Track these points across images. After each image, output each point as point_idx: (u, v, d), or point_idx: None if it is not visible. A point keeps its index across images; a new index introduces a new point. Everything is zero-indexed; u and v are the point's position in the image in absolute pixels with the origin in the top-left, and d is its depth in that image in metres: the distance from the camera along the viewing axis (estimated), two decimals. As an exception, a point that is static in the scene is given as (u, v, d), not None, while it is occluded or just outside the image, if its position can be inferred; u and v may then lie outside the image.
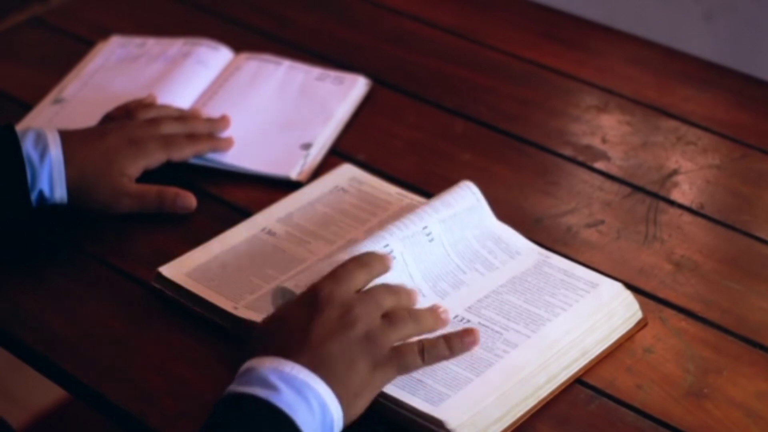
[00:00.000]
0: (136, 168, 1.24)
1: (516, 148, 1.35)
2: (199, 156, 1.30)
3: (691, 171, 1.31)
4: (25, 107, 1.40)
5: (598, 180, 1.30)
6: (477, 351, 1.05)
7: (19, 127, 1.22)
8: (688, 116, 1.39)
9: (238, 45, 1.49)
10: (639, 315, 1.11)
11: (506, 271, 1.13)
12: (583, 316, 1.09)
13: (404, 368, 1.00)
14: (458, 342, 1.02)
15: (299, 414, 0.93)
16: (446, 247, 1.13)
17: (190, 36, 1.49)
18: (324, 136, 1.35)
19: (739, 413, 1.03)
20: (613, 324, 1.10)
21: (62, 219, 1.23)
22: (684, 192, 1.28)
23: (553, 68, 1.48)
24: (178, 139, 1.28)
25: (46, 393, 2.07)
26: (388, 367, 0.99)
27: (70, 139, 1.22)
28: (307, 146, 1.33)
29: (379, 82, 1.44)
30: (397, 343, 1.00)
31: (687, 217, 1.25)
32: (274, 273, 1.15)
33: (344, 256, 1.06)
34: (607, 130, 1.37)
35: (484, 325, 1.08)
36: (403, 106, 1.42)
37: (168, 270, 1.15)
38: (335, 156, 1.33)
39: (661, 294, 1.15)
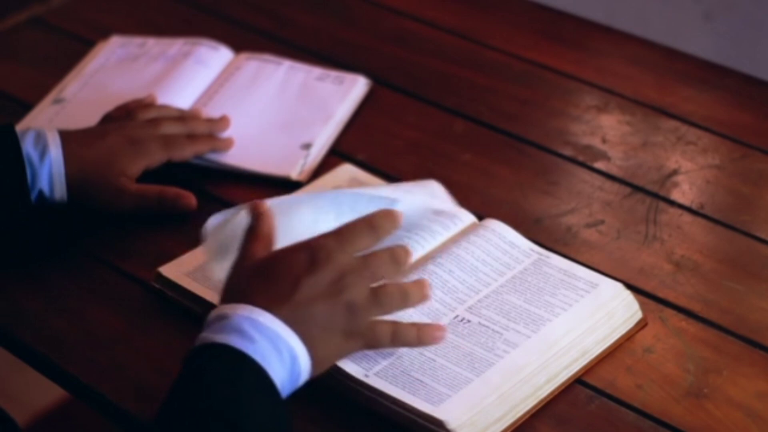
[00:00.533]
0: (136, 168, 1.24)
1: (516, 148, 1.35)
2: (199, 156, 1.30)
3: (691, 171, 1.31)
4: (26, 107, 1.40)
5: (598, 180, 1.30)
6: (477, 351, 1.05)
7: (19, 127, 1.22)
8: (688, 116, 1.39)
9: (239, 45, 1.49)
10: (639, 315, 1.11)
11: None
12: (583, 316, 1.09)
13: (372, 345, 1.02)
14: (429, 335, 1.04)
15: (272, 364, 0.95)
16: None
17: (191, 36, 1.49)
18: (324, 136, 1.35)
19: (739, 413, 1.03)
20: (613, 324, 1.10)
21: (62, 219, 1.23)
22: (684, 192, 1.28)
23: (553, 68, 1.48)
24: (178, 140, 1.28)
25: (46, 393, 2.07)
26: (359, 340, 1.01)
27: (70, 139, 1.22)
28: (307, 146, 1.33)
29: (379, 82, 1.44)
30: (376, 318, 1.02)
31: (687, 217, 1.25)
32: (274, 273, 1.15)
33: None
34: (607, 130, 1.37)
35: (484, 324, 1.08)
36: (403, 106, 1.42)
37: (168, 270, 1.15)
38: (335, 156, 1.33)
39: (661, 294, 1.15)
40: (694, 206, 1.26)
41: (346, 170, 1.29)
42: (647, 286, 1.16)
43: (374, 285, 1.02)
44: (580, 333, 1.08)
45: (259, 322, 0.96)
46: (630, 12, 2.24)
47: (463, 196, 1.25)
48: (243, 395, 0.93)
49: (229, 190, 1.29)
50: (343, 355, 1.01)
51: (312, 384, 1.04)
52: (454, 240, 1.16)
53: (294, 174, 1.30)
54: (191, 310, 1.13)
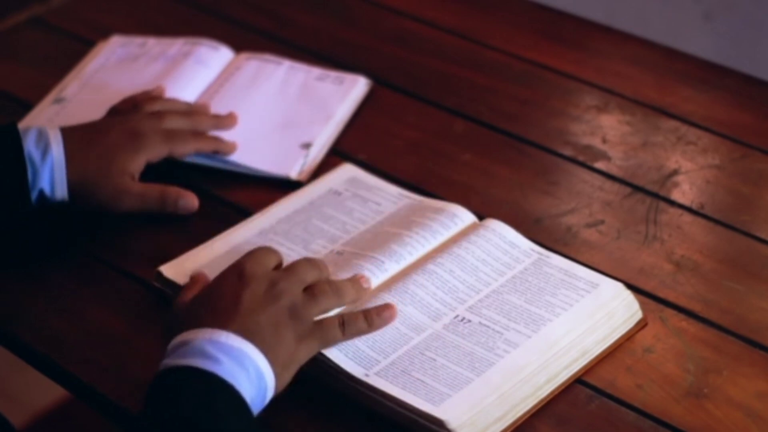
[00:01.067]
0: (137, 163, 1.23)
1: (516, 148, 1.35)
2: (200, 153, 1.29)
3: (691, 171, 1.31)
4: (26, 107, 1.40)
5: (598, 180, 1.30)
6: (478, 351, 1.05)
7: (20, 126, 1.21)
8: (688, 116, 1.39)
9: (239, 45, 1.49)
10: (639, 315, 1.11)
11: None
12: (583, 316, 1.09)
13: (326, 342, 1.03)
14: (376, 317, 1.06)
15: (241, 383, 0.95)
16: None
17: (191, 36, 1.49)
18: (324, 136, 1.35)
19: (739, 413, 1.03)
20: (614, 324, 1.10)
21: (62, 219, 1.23)
22: (684, 192, 1.28)
23: (553, 68, 1.48)
24: (181, 134, 1.27)
25: (46, 393, 2.07)
26: (312, 340, 1.02)
27: (72, 136, 1.21)
28: (307, 146, 1.33)
29: (379, 82, 1.44)
30: (320, 317, 1.04)
31: (687, 217, 1.25)
32: (274, 273, 1.15)
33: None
34: (607, 130, 1.37)
35: (484, 324, 1.08)
36: (403, 106, 1.42)
37: (168, 270, 1.15)
38: (335, 156, 1.33)
39: (661, 294, 1.15)
40: (694, 206, 1.26)
41: (346, 170, 1.29)
42: (647, 286, 1.16)
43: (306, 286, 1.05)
44: (581, 333, 1.08)
45: (221, 343, 0.96)
46: (630, 12, 2.24)
47: (463, 196, 1.25)
48: (220, 416, 0.93)
49: (228, 190, 1.29)
50: (300, 361, 1.02)
51: (312, 384, 1.05)
52: (455, 240, 1.16)
53: (294, 174, 1.30)
54: (191, 310, 1.13)
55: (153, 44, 1.48)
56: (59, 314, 1.14)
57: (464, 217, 1.20)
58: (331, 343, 1.04)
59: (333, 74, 1.44)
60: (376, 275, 1.12)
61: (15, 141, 1.19)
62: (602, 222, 1.24)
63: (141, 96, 1.31)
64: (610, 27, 1.55)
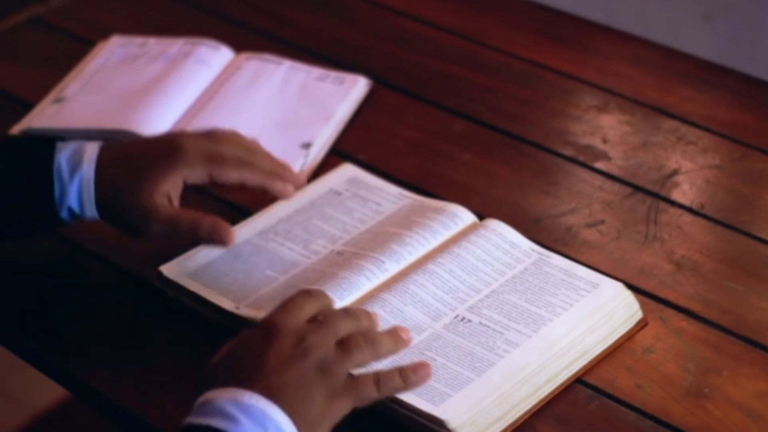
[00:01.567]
0: (172, 182, 1.12)
1: (516, 148, 1.35)
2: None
3: (691, 171, 1.31)
4: (26, 106, 1.40)
5: (598, 180, 1.30)
6: (478, 350, 1.05)
7: (19, 126, 1.20)
8: (688, 116, 1.39)
9: (239, 45, 1.49)
10: (639, 315, 1.11)
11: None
12: (583, 315, 1.09)
13: (360, 400, 0.98)
14: (412, 374, 1.00)
15: None
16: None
17: (191, 36, 1.49)
18: (324, 136, 1.35)
19: (739, 413, 1.03)
20: (614, 324, 1.10)
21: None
22: (684, 192, 1.28)
23: (553, 68, 1.48)
24: (227, 158, 1.14)
25: (46, 393, 2.07)
26: (345, 398, 0.97)
27: (107, 153, 1.13)
28: (307, 146, 1.33)
29: (379, 82, 1.44)
30: (353, 371, 0.98)
31: (687, 217, 1.25)
32: (274, 273, 1.15)
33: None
34: (607, 130, 1.37)
35: (485, 324, 1.08)
36: (403, 106, 1.42)
37: (168, 269, 1.15)
38: (335, 156, 1.33)
39: (661, 294, 1.15)
40: (694, 206, 1.26)
41: (346, 170, 1.29)
42: (647, 286, 1.16)
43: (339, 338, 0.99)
44: (581, 333, 1.08)
45: (243, 403, 0.92)
46: (630, 12, 2.24)
47: (463, 196, 1.25)
48: None
49: (229, 190, 1.28)
50: (333, 419, 0.96)
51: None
52: (455, 240, 1.16)
53: (294, 174, 1.29)
54: (192, 310, 1.13)
55: (153, 44, 1.48)
56: (59, 314, 1.14)
57: (464, 217, 1.20)
58: (365, 401, 0.98)
59: (333, 74, 1.44)
60: (376, 275, 1.12)
61: (47, 156, 1.12)
62: (602, 222, 1.24)
63: (212, 129, 1.19)
64: (610, 27, 1.55)
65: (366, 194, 1.25)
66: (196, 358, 1.09)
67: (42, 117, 1.37)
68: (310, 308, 1.01)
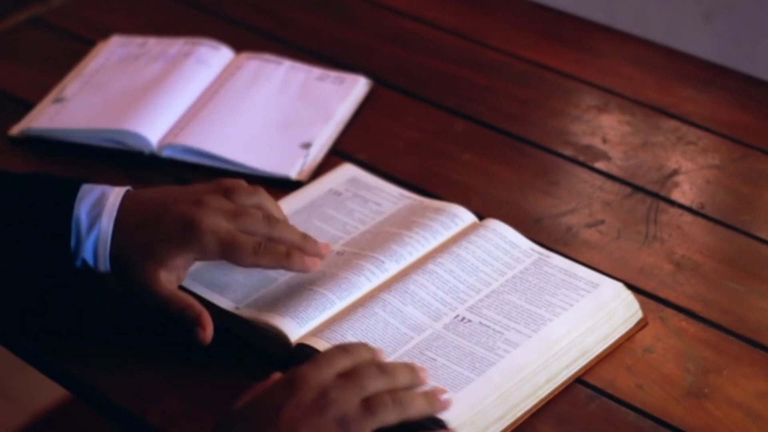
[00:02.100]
0: (181, 260, 1.09)
1: (516, 148, 1.35)
2: (196, 151, 1.27)
3: (691, 171, 1.31)
4: (26, 107, 1.40)
5: (598, 180, 1.30)
6: (478, 350, 1.05)
7: (19, 126, 1.18)
8: (688, 116, 1.39)
9: (239, 45, 1.49)
10: (639, 315, 1.11)
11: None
12: (583, 315, 1.09)
13: None
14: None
15: None
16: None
17: (191, 36, 1.49)
18: (324, 136, 1.35)
19: (739, 413, 1.03)
20: (614, 324, 1.10)
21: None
22: (684, 192, 1.28)
23: (553, 68, 1.48)
24: (244, 241, 1.09)
25: (46, 393, 2.07)
26: None
27: (129, 210, 1.09)
28: (307, 146, 1.33)
29: (379, 82, 1.44)
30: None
31: (687, 217, 1.25)
32: (274, 274, 1.15)
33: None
34: (607, 130, 1.37)
35: (485, 324, 1.08)
36: (403, 106, 1.42)
37: (168, 270, 1.15)
38: (335, 156, 1.33)
39: (661, 294, 1.15)
40: (694, 206, 1.26)
41: (346, 170, 1.29)
42: (647, 286, 1.16)
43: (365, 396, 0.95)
44: (581, 333, 1.08)
45: None
46: (630, 12, 2.24)
47: (463, 196, 1.25)
48: None
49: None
50: None
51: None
52: (455, 240, 1.16)
53: (293, 174, 1.30)
54: (191, 310, 1.13)
55: (153, 44, 1.48)
56: (60, 314, 1.14)
57: (464, 217, 1.20)
58: None
59: (333, 74, 1.44)
60: (376, 275, 1.12)
61: (67, 204, 1.08)
62: (602, 222, 1.24)
63: (234, 183, 1.14)
64: (610, 27, 1.55)
65: (366, 194, 1.25)
66: (196, 359, 1.09)
67: (42, 117, 1.37)
68: (342, 363, 0.97)
